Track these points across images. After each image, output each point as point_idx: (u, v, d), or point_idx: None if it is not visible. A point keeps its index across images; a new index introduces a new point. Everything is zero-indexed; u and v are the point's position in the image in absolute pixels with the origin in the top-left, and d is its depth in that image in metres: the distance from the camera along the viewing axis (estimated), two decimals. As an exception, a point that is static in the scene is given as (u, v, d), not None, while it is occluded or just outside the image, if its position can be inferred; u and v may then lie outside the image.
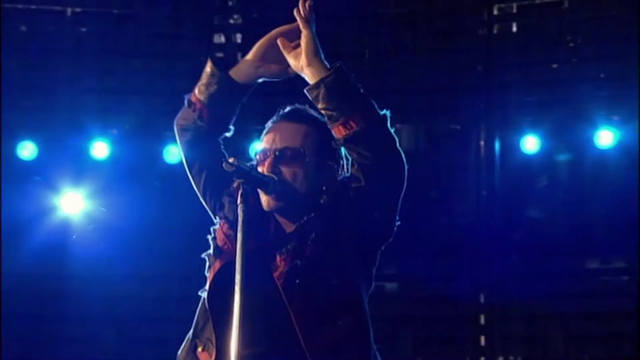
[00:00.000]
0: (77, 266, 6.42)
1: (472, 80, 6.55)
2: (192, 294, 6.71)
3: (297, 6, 2.34)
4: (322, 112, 2.38)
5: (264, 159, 2.44)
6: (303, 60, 2.37)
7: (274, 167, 2.40)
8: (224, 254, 2.42)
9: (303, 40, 2.37)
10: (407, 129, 6.36)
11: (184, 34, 6.84)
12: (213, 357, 2.37)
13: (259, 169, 2.42)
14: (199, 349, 2.43)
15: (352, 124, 2.33)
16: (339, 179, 2.49)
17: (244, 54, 2.53)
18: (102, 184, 6.49)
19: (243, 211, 2.25)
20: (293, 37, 2.44)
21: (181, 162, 7.15)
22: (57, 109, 6.52)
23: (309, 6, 2.35)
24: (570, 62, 6.38)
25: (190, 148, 2.59)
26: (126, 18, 6.75)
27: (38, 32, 6.60)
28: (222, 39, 6.80)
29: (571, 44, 6.37)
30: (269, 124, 2.53)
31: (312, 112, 2.49)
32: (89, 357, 6.46)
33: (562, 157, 6.35)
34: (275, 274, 2.35)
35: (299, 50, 2.39)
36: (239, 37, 6.77)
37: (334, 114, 2.34)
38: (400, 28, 6.64)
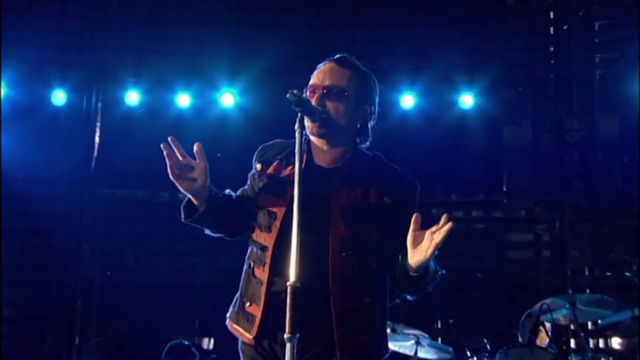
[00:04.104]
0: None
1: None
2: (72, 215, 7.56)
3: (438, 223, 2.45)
4: (409, 279, 2.55)
5: (313, 93, 2.70)
6: (422, 258, 2.47)
7: (320, 100, 2.68)
8: (278, 213, 2.65)
9: (429, 248, 2.46)
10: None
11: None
12: (261, 305, 2.62)
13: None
14: (247, 305, 2.68)
15: (422, 288, 2.62)
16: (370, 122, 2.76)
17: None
18: (-3, 120, 7.38)
19: (301, 135, 2.48)
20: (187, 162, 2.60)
21: (66, 105, 8.06)
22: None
23: (418, 220, 2.48)
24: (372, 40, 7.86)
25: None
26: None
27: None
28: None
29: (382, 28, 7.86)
30: (320, 65, 2.77)
31: (357, 62, 2.79)
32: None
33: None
34: (330, 238, 2.57)
35: (420, 249, 2.48)
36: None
37: (414, 288, 2.62)
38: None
